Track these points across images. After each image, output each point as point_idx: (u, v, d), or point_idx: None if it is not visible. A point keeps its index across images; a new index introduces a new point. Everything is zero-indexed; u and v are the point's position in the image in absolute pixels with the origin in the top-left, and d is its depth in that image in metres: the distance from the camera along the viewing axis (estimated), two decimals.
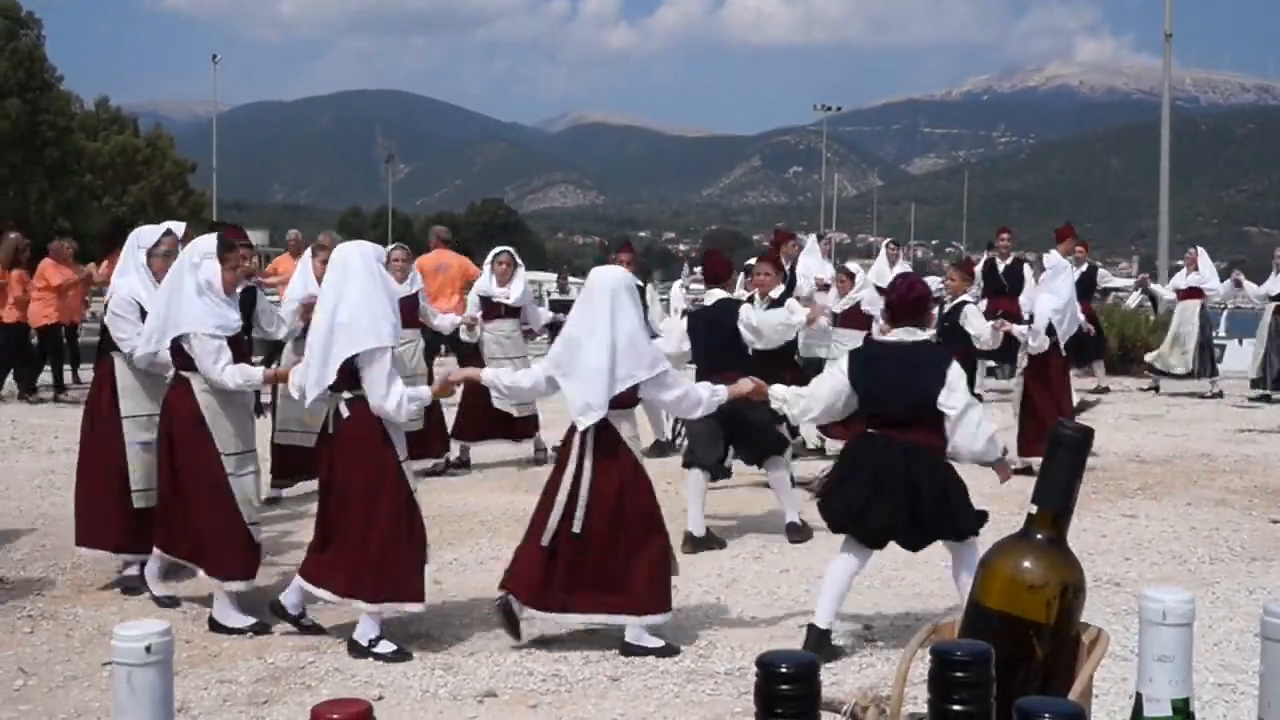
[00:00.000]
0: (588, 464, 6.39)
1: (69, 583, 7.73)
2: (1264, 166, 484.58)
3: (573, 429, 6.50)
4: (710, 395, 6.69)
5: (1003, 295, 15.95)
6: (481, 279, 12.34)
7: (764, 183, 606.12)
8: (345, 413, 6.39)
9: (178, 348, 6.94)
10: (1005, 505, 7.36)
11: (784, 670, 1.02)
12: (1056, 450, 1.56)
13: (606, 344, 6.39)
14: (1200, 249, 18.51)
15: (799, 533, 8.88)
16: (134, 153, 61.96)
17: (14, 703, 5.72)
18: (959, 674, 1.06)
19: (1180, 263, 19.08)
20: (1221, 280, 18.24)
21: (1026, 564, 1.52)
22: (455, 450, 11.84)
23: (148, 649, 1.04)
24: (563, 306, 20.61)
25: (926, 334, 6.96)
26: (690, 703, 5.76)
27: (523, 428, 11.91)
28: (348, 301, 6.35)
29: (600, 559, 6.38)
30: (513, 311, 12.00)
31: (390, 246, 10.85)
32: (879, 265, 16.46)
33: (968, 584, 6.24)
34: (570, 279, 29.33)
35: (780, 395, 6.72)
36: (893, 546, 6.56)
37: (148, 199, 59.31)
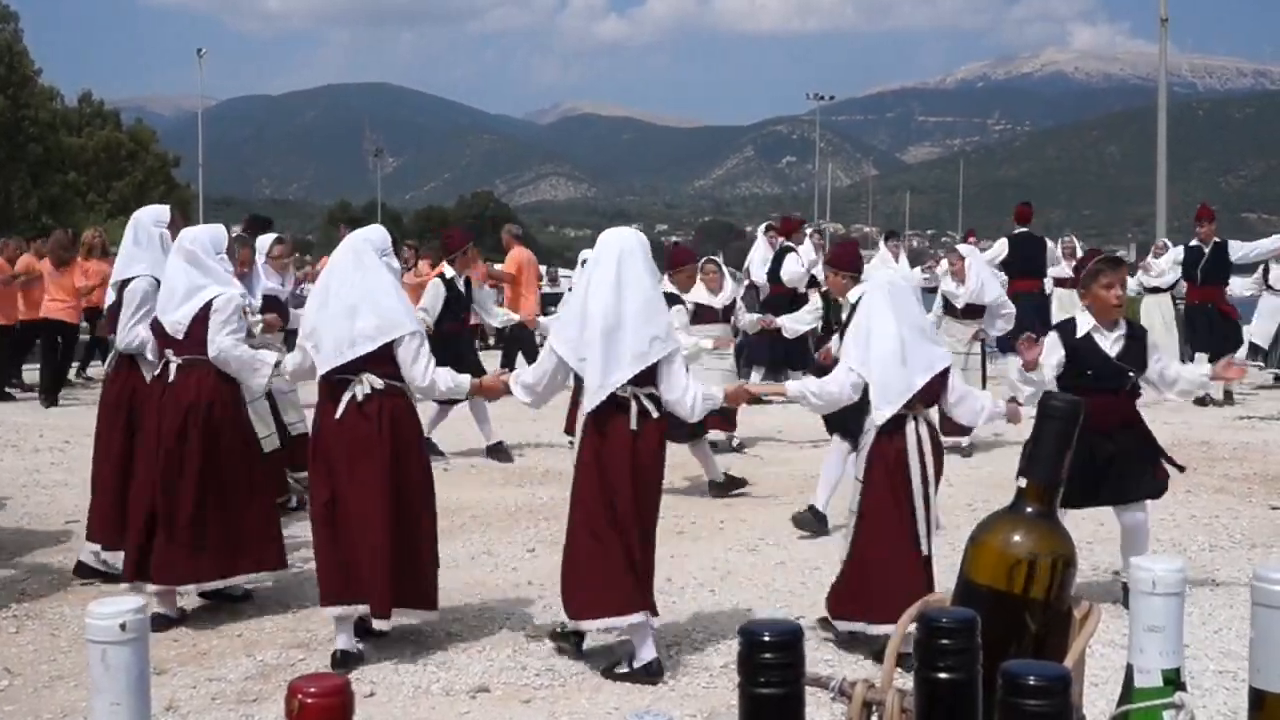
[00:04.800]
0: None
1: (55, 582, 7.71)
2: (1262, 152, 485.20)
3: None
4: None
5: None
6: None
7: (757, 173, 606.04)
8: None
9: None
10: (1007, 495, 7.35)
11: (767, 638, 1.02)
12: (1045, 422, 1.56)
13: None
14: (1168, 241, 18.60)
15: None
16: (117, 148, 61.77)
17: None
18: (945, 641, 1.06)
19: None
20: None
21: (1016, 538, 1.52)
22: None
23: (122, 626, 1.04)
24: (554, 300, 20.68)
25: None
26: (685, 695, 5.77)
27: None
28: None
29: None
30: None
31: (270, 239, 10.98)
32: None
33: None
34: (561, 272, 29.31)
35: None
36: None
37: (131, 195, 59.18)
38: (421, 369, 6.29)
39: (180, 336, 6.91)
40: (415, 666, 6.11)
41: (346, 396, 6.16)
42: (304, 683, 1.05)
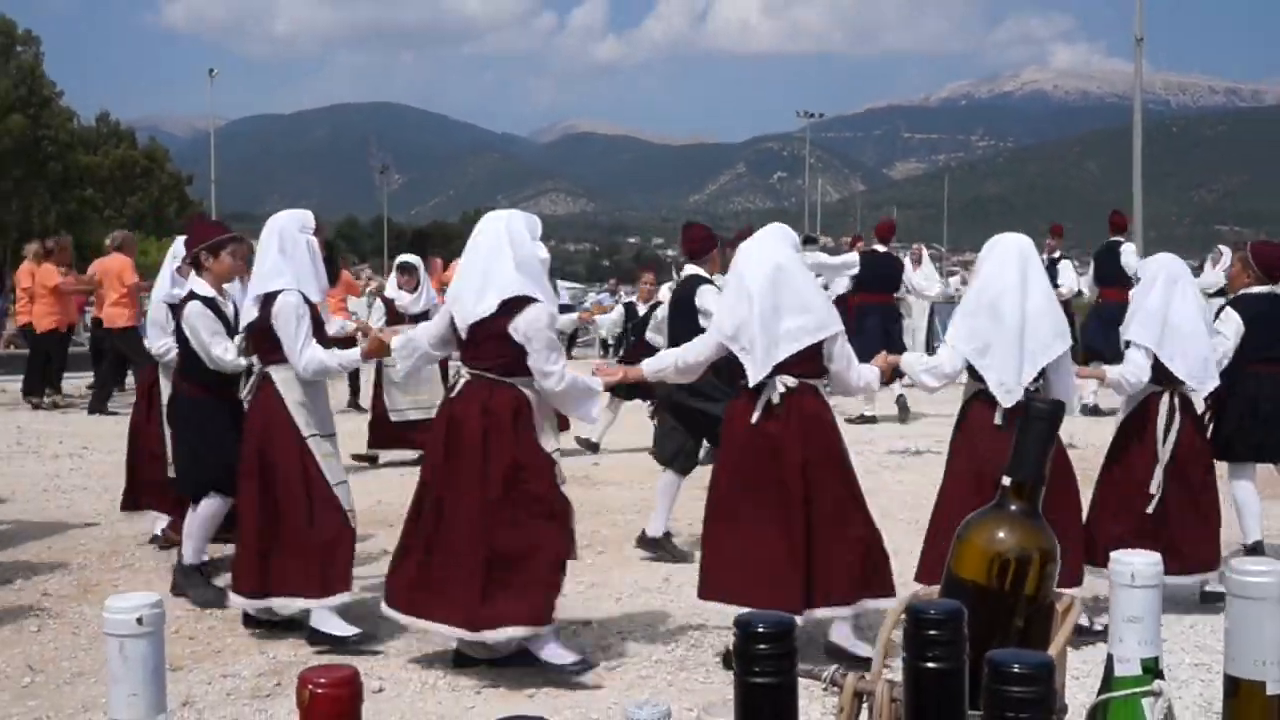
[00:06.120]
0: None
1: (75, 583, 7.70)
2: (1233, 167, 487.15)
3: None
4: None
5: None
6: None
7: (750, 188, 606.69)
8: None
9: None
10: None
11: (761, 630, 1.02)
12: (1028, 424, 1.56)
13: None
14: (922, 247, 19.14)
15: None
16: (132, 165, 61.87)
17: (22, 699, 5.70)
18: (933, 632, 1.06)
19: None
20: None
21: (1000, 535, 1.52)
22: None
23: (139, 620, 1.04)
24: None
25: None
26: (684, 690, 5.76)
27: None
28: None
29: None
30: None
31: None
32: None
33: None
34: (561, 284, 29.36)
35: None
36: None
37: (147, 211, 59.29)
38: (853, 367, 6.08)
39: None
40: (421, 663, 6.08)
41: (762, 400, 5.90)
42: (314, 673, 1.04)
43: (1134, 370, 6.73)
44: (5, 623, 6.86)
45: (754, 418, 5.85)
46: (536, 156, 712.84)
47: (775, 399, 5.83)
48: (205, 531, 7.22)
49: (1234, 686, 1.11)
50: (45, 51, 57.33)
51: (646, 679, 5.91)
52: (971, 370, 6.13)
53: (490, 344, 5.76)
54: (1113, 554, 1.24)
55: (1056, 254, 17.13)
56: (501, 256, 5.80)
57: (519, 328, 5.70)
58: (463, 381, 5.84)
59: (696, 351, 6.22)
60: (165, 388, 8.17)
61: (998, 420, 5.90)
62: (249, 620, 6.61)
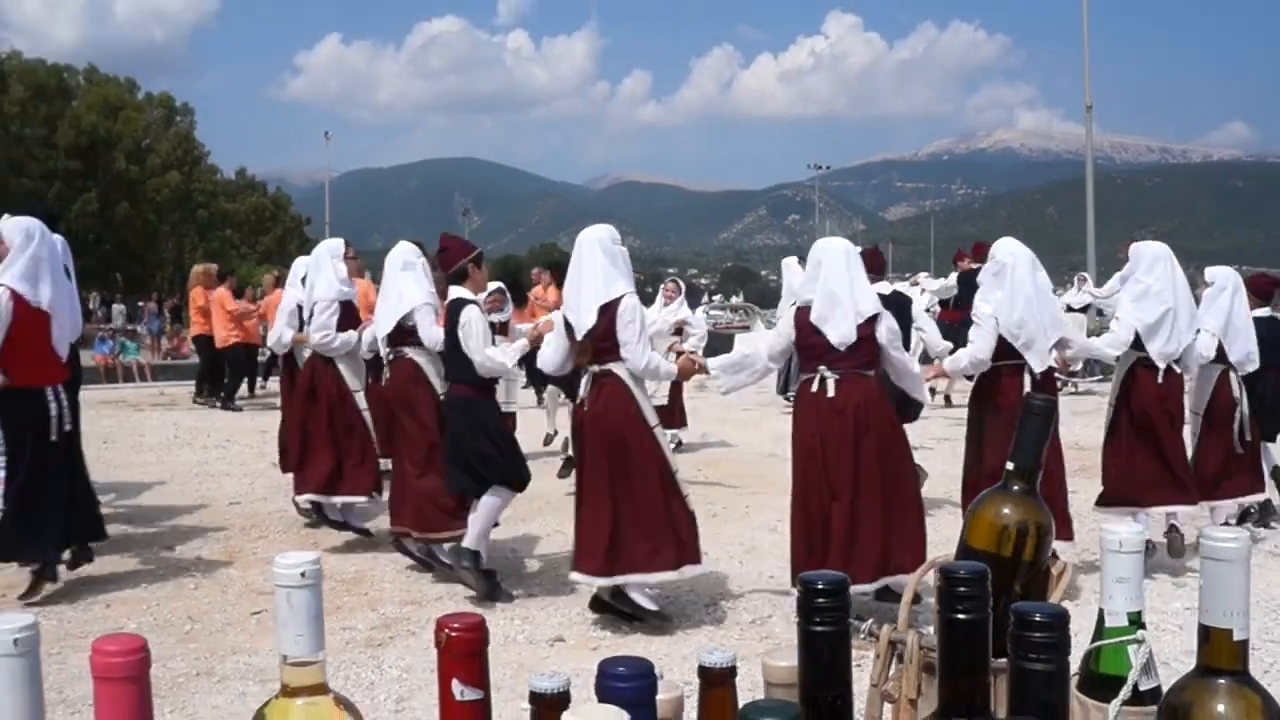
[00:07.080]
0: None
1: (222, 550, 7.77)
2: (1168, 212, 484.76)
3: None
4: None
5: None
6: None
7: (769, 228, 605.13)
8: None
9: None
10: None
11: (820, 586, 1.02)
12: (1028, 418, 1.55)
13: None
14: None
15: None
16: (263, 210, 62.72)
17: (184, 642, 5.76)
18: (962, 589, 1.05)
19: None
20: None
21: (1005, 510, 1.51)
22: None
23: (302, 574, 1.05)
24: None
25: None
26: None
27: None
28: None
29: None
30: None
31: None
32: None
33: None
34: None
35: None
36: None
37: (273, 247, 60.03)
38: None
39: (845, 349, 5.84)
40: (503, 620, 6.07)
41: (1029, 378, 6.42)
42: (449, 619, 1.05)
43: (1204, 347, 7.48)
44: (168, 581, 6.93)
45: (1025, 389, 6.29)
46: (590, 201, 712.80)
47: (1039, 376, 6.41)
48: (487, 523, 6.53)
49: (1206, 634, 1.10)
50: (197, 120, 58.28)
51: (690, 635, 5.86)
52: (1134, 343, 7.04)
53: (864, 346, 5.84)
54: (1104, 526, 1.23)
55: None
56: (858, 272, 5.97)
57: (881, 334, 5.87)
58: (833, 380, 5.80)
59: (983, 347, 6.54)
60: (352, 377, 7.85)
61: (1159, 380, 7.00)
62: (596, 603, 5.98)
